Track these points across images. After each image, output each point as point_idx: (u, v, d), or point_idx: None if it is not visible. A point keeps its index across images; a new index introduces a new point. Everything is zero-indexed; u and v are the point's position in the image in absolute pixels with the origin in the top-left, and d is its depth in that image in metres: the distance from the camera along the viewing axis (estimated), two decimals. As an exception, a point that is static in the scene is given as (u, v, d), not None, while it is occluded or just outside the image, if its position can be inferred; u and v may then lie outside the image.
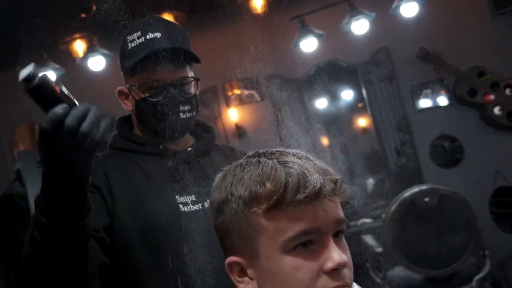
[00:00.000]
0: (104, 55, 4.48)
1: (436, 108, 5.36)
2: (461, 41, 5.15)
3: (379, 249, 4.16)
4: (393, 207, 3.79)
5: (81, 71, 4.52)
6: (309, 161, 0.92)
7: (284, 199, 0.87)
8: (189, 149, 1.51)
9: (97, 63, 4.51)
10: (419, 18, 4.88)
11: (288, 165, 0.89)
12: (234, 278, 0.93)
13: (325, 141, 5.97)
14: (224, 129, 5.43)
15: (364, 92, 5.54)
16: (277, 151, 0.95)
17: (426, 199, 3.73)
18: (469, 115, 5.23)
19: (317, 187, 0.87)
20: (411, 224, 3.70)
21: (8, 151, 4.90)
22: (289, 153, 0.94)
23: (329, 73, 5.48)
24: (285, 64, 5.31)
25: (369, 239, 4.56)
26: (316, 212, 0.88)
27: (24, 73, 0.93)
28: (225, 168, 0.97)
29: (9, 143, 5.05)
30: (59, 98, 0.97)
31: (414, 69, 5.30)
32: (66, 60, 4.58)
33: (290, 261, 0.87)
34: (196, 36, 5.20)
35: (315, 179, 0.88)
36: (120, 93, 1.57)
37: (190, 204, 1.43)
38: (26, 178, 2.75)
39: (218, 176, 0.97)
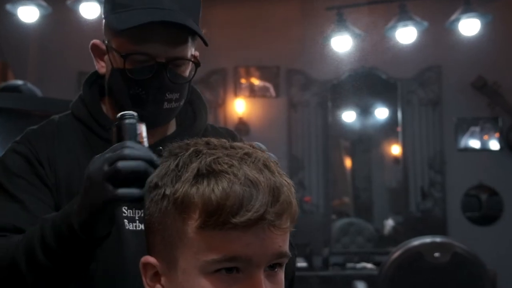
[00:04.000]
0: (101, 3, 4.46)
1: (481, 151, 5.49)
2: None
3: (370, 300, 4.26)
4: (395, 255, 3.84)
5: (70, 16, 4.68)
6: (264, 168, 0.94)
7: (217, 219, 0.90)
8: (159, 147, 1.36)
9: (90, 10, 4.61)
10: (481, 39, 4.97)
11: (235, 174, 0.92)
12: (146, 281, 0.99)
13: (342, 161, 6.10)
14: (225, 120, 5.65)
15: (400, 113, 5.68)
16: (231, 146, 0.98)
17: (437, 254, 3.76)
18: (520, 167, 5.31)
19: (259, 213, 0.90)
20: (411, 279, 3.76)
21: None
22: (245, 149, 0.97)
23: (364, 83, 5.60)
24: (313, 61, 5.45)
25: (361, 287, 4.63)
26: (251, 239, 0.91)
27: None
28: (185, 147, 1.01)
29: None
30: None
31: (465, 99, 5.41)
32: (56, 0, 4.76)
33: (206, 285, 0.92)
34: (213, 5, 5.38)
35: (260, 202, 0.90)
36: (95, 48, 1.47)
37: (138, 222, 1.40)
38: None
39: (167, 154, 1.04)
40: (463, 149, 5.54)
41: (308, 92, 5.78)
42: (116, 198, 1.11)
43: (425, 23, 4.89)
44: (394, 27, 4.94)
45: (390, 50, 5.22)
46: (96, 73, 1.51)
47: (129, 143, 1.15)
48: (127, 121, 1.20)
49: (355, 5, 5.03)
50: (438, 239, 3.91)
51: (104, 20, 1.44)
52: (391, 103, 5.80)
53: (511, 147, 5.39)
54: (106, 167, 1.11)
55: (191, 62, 1.41)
